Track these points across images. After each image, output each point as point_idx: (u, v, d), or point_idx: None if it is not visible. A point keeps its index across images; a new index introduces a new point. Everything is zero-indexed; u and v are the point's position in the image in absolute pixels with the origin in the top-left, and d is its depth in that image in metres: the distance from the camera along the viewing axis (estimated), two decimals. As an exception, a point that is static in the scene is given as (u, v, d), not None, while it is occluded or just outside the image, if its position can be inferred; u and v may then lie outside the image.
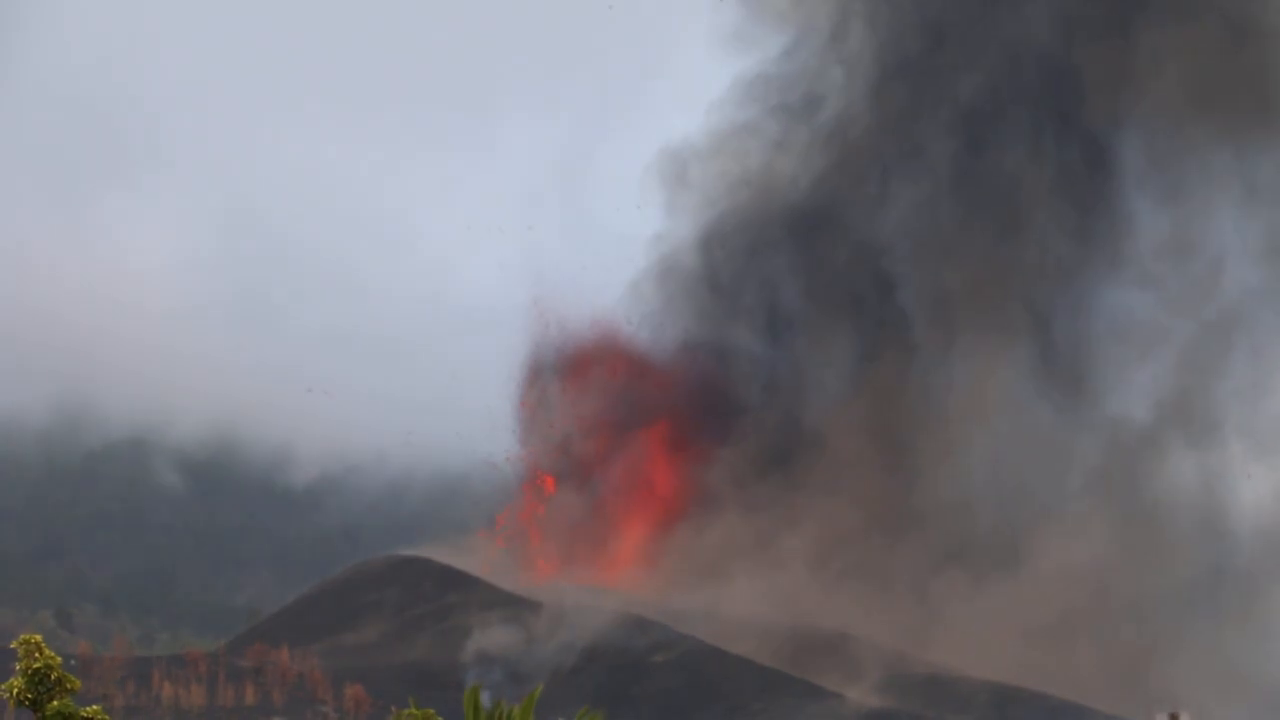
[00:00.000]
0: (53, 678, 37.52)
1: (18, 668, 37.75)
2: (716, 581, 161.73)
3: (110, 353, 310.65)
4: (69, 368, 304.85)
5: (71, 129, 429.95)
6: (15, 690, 37.46)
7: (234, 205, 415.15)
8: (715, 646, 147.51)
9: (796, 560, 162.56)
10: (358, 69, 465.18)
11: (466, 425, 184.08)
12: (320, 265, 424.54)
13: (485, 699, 42.57)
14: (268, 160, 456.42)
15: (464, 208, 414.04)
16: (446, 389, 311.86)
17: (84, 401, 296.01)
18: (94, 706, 37.77)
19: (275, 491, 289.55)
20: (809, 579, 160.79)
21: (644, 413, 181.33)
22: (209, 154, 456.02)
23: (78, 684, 38.16)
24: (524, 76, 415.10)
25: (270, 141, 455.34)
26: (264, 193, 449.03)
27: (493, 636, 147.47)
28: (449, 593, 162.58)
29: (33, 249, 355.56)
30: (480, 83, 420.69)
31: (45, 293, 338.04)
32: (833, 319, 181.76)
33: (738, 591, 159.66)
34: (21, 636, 38.11)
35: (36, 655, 37.59)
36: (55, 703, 37.20)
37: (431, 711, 49.37)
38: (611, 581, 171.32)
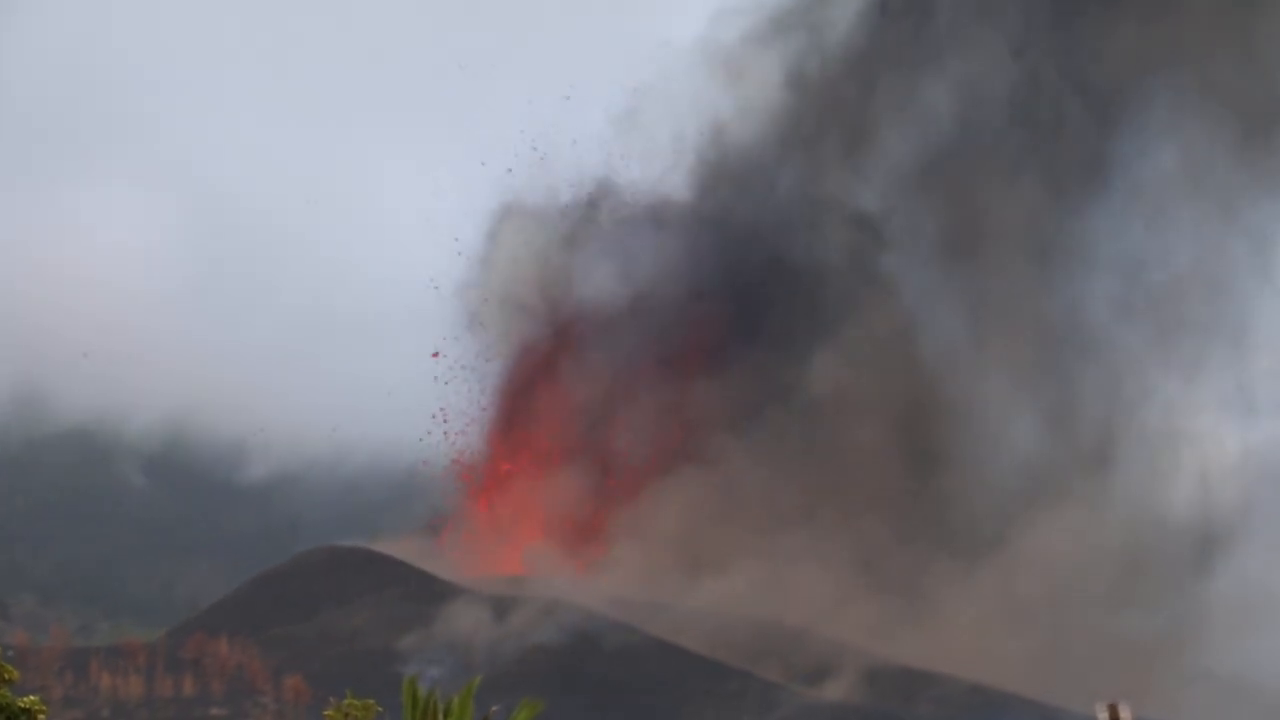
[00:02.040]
0: (-10, 668, 37.42)
1: (-46, 658, 37.61)
2: (670, 574, 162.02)
3: (69, 338, 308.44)
4: (24, 352, 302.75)
5: (37, 110, 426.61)
6: (-49, 680, 37.37)
7: (201, 189, 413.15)
8: (661, 639, 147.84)
9: (753, 555, 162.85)
10: (328, 51, 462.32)
11: (419, 416, 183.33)
12: (289, 249, 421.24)
13: (424, 689, 42.75)
14: (236, 143, 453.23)
15: (436, 190, 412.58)
16: (405, 378, 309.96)
17: (36, 387, 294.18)
18: (31, 697, 37.70)
19: (220, 483, 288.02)
20: (768, 573, 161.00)
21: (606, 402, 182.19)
22: (177, 136, 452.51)
23: (15, 674, 38.09)
24: (500, 56, 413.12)
25: (239, 124, 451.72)
26: (232, 176, 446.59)
27: (434, 628, 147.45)
28: (390, 584, 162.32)
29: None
30: (454, 62, 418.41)
31: (7, 277, 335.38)
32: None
33: (692, 584, 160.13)
34: (-42, 627, 37.98)
35: (-28, 646, 37.50)
36: (-8, 693, 37.11)
37: (371, 702, 49.55)
38: (558, 572, 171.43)
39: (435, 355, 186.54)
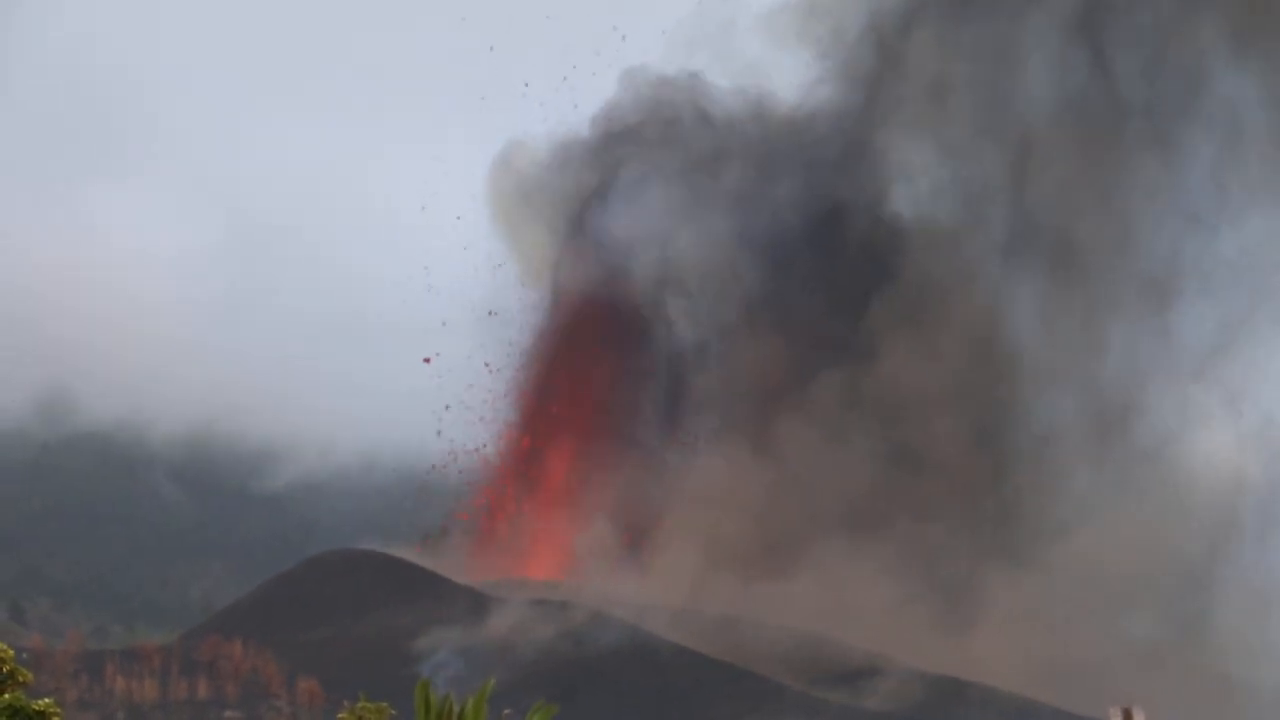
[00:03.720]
0: (4, 671, 37.43)
1: (-31, 661, 37.65)
2: (683, 579, 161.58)
3: (95, 344, 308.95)
4: (48, 358, 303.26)
5: (63, 117, 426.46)
6: (-33, 684, 37.38)
7: (232, 197, 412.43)
8: (678, 644, 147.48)
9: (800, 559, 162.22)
10: (351, 61, 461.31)
11: (436, 420, 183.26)
12: (315, 258, 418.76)
13: (438, 692, 42.75)
14: (262, 152, 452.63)
15: (454, 200, 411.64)
16: (424, 384, 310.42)
17: (58, 393, 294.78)
18: (46, 700, 37.70)
19: (235, 488, 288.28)
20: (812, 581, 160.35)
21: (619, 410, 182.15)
22: (202, 144, 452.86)
23: (30, 677, 38.10)
24: (518, 68, 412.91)
25: (264, 133, 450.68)
26: (259, 185, 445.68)
27: (447, 631, 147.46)
28: (404, 587, 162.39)
29: (18, 237, 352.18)
30: (475, 75, 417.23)
31: (29, 281, 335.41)
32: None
33: (702, 589, 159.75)
34: (-27, 630, 38.07)
35: (-12, 649, 37.53)
36: (7, 696, 37.08)
37: (385, 705, 49.57)
38: (567, 577, 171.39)
39: (427, 360, 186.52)
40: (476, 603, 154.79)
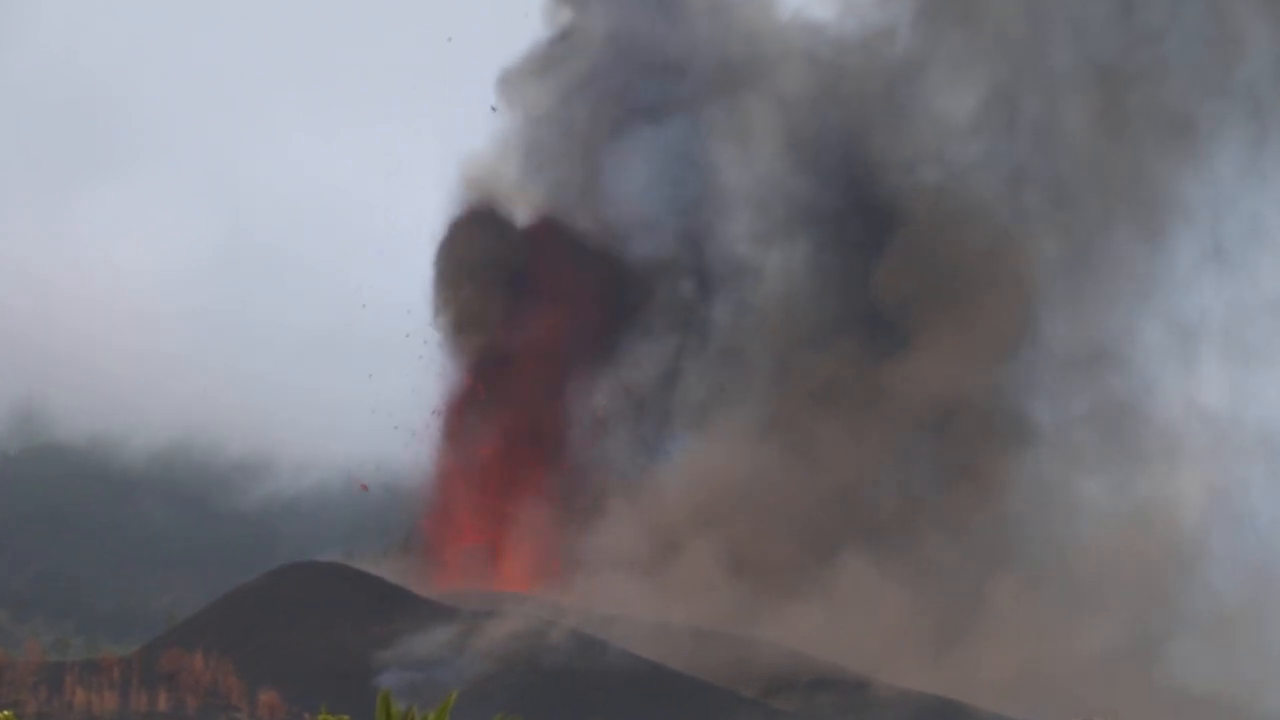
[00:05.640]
0: (-35, 683, 37.50)
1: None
2: (645, 587, 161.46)
3: (72, 355, 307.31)
4: (27, 370, 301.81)
5: (54, 127, 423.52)
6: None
7: (225, 211, 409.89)
8: (641, 657, 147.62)
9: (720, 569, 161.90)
10: (349, 72, 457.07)
11: (395, 430, 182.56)
12: (310, 274, 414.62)
13: (400, 705, 42.94)
14: (259, 162, 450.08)
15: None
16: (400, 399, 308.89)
17: (24, 406, 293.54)
18: (5, 712, 37.77)
19: (197, 499, 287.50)
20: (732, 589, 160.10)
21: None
22: (199, 156, 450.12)
23: (-10, 689, 38.19)
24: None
25: (263, 143, 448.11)
26: (255, 195, 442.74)
27: (410, 643, 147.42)
28: (366, 599, 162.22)
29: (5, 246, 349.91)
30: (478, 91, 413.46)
31: (7, 292, 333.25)
32: None
33: (665, 597, 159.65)
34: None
35: (-52, 660, 37.57)
36: (-33, 707, 37.20)
37: (346, 717, 49.74)
38: (533, 588, 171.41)
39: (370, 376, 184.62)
40: (440, 615, 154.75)
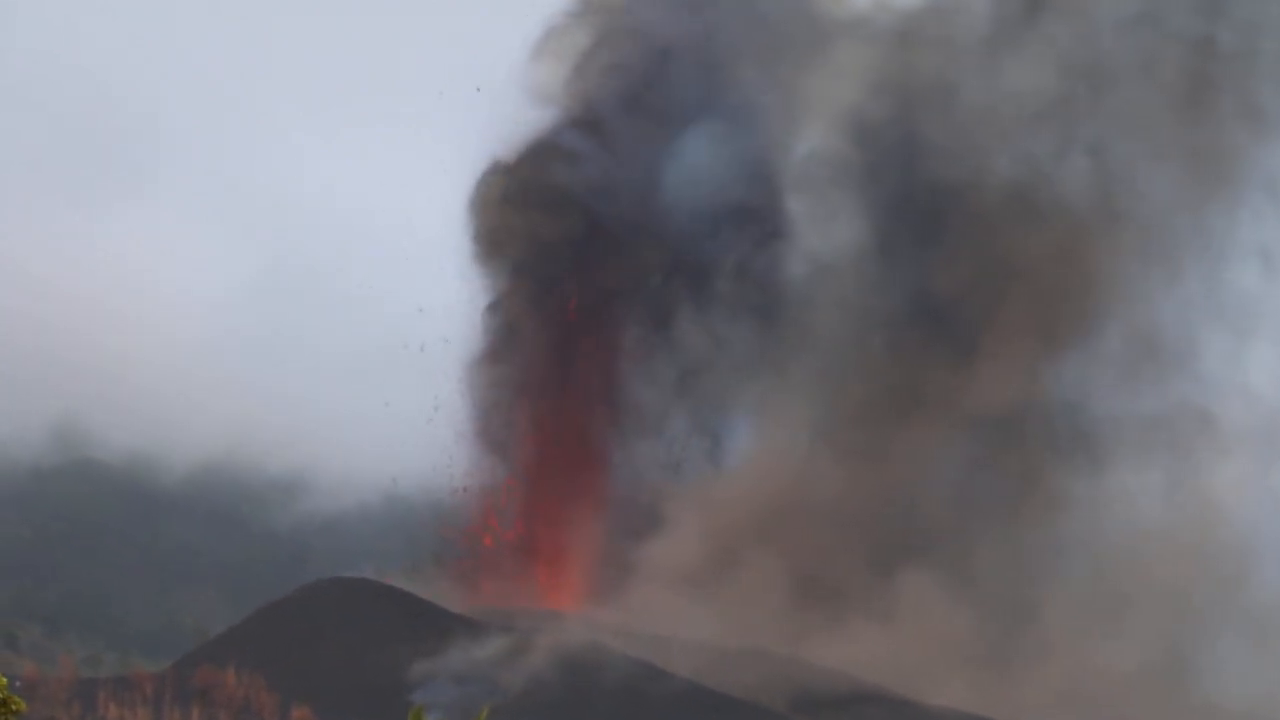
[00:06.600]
0: (-2, 699, 37.25)
1: (-37, 689, 37.42)
2: (696, 604, 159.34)
3: (112, 374, 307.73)
4: (66, 390, 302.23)
5: (91, 144, 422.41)
6: (-41, 711, 37.16)
7: (271, 231, 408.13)
8: (692, 680, 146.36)
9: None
10: (393, 92, 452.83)
11: (432, 445, 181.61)
12: (356, 296, 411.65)
13: (432, 721, 42.54)
14: (301, 182, 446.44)
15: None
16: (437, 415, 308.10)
17: (62, 424, 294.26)
18: (38, 727, 37.59)
19: (225, 515, 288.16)
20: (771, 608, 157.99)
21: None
22: (238, 174, 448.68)
23: (23, 705, 37.89)
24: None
25: (305, 165, 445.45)
26: (298, 216, 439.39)
27: (442, 659, 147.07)
28: (398, 615, 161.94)
29: (36, 263, 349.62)
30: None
31: (48, 312, 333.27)
32: None
33: (705, 616, 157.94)
34: (-34, 657, 37.92)
35: (-18, 676, 37.27)
36: (0, 724, 36.94)
37: (378, 734, 49.32)
38: (575, 604, 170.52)
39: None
40: (473, 631, 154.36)
